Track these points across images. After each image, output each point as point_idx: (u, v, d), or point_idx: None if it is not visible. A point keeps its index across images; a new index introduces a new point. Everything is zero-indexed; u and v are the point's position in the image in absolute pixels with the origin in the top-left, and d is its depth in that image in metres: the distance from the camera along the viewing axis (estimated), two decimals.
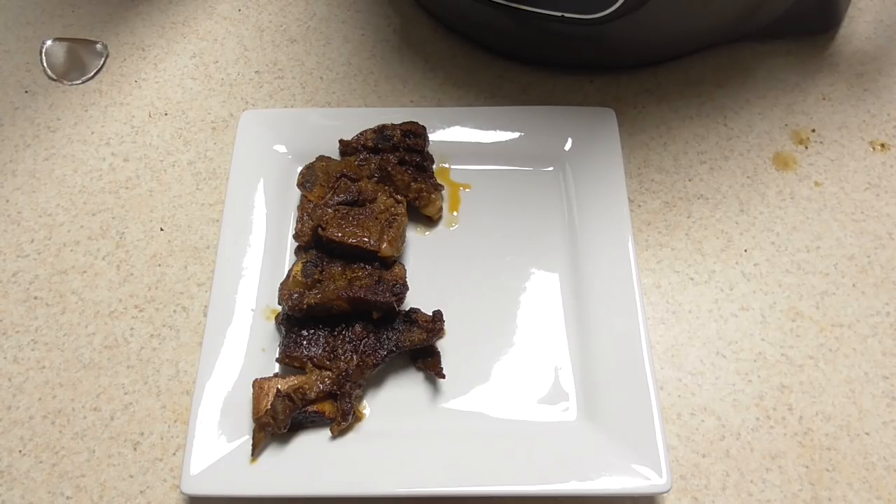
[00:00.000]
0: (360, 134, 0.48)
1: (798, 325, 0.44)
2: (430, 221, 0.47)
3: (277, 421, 0.38)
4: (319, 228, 0.42)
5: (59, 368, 0.43)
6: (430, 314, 0.41)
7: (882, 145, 0.51)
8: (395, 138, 0.47)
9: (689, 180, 0.49)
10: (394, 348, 0.40)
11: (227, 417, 0.39)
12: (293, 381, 0.39)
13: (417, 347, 0.41)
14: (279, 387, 0.39)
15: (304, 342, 0.41)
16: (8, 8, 0.58)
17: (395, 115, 0.48)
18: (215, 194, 0.49)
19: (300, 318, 0.41)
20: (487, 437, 0.39)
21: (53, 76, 0.55)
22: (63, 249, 0.47)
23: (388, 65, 0.55)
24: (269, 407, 0.38)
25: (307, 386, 0.39)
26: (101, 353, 0.43)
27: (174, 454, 0.40)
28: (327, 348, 0.40)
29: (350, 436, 0.39)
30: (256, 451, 0.38)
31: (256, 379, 0.40)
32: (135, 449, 0.41)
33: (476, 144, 0.48)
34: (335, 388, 0.39)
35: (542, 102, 0.52)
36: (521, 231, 0.46)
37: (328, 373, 0.40)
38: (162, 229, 0.48)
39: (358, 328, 0.41)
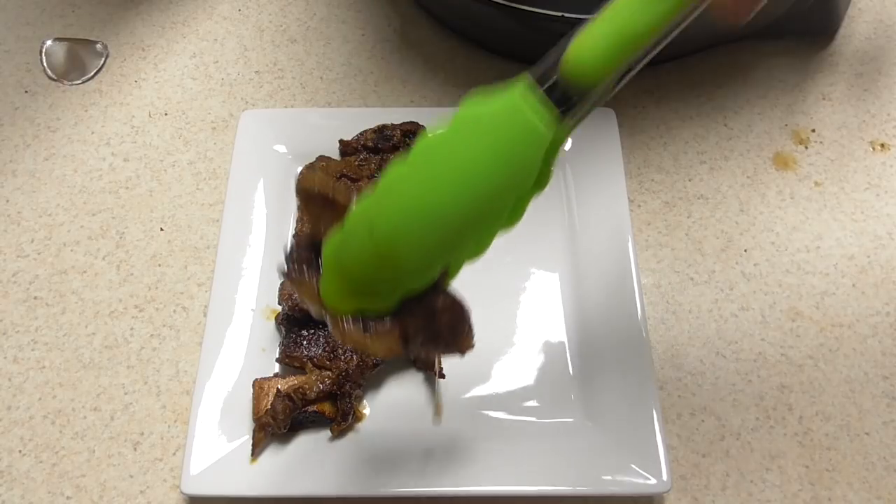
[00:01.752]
0: (360, 134, 0.48)
1: (798, 325, 0.44)
2: None
3: (277, 421, 0.38)
4: None
5: (59, 368, 0.43)
6: None
7: (882, 145, 0.51)
8: (395, 138, 0.47)
9: (689, 180, 0.49)
10: None
11: (227, 417, 0.39)
12: (293, 381, 0.39)
13: None
14: (279, 387, 0.39)
15: (304, 342, 0.41)
16: (8, 8, 0.58)
17: (395, 115, 0.48)
18: (215, 194, 0.49)
19: (300, 318, 0.41)
20: (487, 437, 0.39)
21: (53, 76, 0.55)
22: (63, 249, 0.47)
23: (388, 65, 0.55)
24: (269, 407, 0.38)
25: (307, 386, 0.39)
26: (101, 353, 0.43)
27: (174, 454, 0.40)
28: (327, 348, 0.40)
29: (350, 436, 0.39)
30: (256, 451, 0.38)
31: (256, 379, 0.40)
32: (135, 449, 0.41)
33: None
34: (335, 388, 0.39)
35: None
36: (521, 231, 0.46)
37: (328, 373, 0.40)
38: (162, 229, 0.48)
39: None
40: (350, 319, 0.27)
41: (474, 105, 0.23)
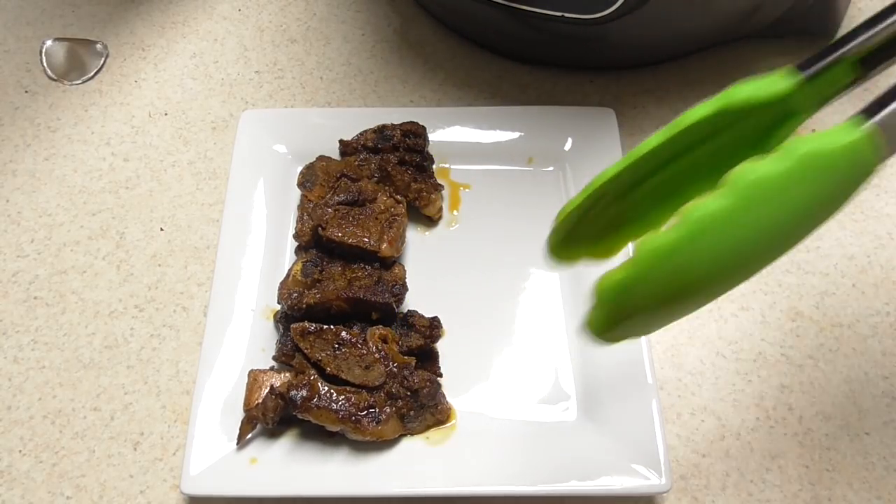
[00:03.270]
0: (360, 134, 0.48)
1: (798, 325, 0.44)
2: (430, 221, 0.47)
3: (266, 417, 0.38)
4: (319, 228, 0.42)
5: (59, 368, 0.43)
6: (428, 320, 0.41)
7: None
8: (395, 138, 0.47)
9: None
10: None
11: (227, 417, 0.39)
12: (288, 379, 0.39)
13: (416, 353, 0.41)
14: (273, 383, 0.39)
15: None
16: (8, 8, 0.58)
17: (395, 115, 0.48)
18: (215, 194, 0.49)
19: (298, 317, 0.41)
20: (487, 436, 0.39)
21: (53, 76, 0.55)
22: (63, 249, 0.47)
23: (388, 65, 0.55)
24: (260, 401, 0.38)
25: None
26: (101, 353, 0.43)
27: (174, 454, 0.40)
28: None
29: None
30: (242, 441, 0.38)
31: (252, 370, 0.40)
32: (135, 449, 0.41)
33: (476, 144, 0.48)
34: None
35: (542, 102, 0.52)
36: (522, 231, 0.46)
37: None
38: (162, 229, 0.48)
39: (356, 329, 0.41)
40: (364, 419, 0.37)
41: (812, 142, 0.21)
